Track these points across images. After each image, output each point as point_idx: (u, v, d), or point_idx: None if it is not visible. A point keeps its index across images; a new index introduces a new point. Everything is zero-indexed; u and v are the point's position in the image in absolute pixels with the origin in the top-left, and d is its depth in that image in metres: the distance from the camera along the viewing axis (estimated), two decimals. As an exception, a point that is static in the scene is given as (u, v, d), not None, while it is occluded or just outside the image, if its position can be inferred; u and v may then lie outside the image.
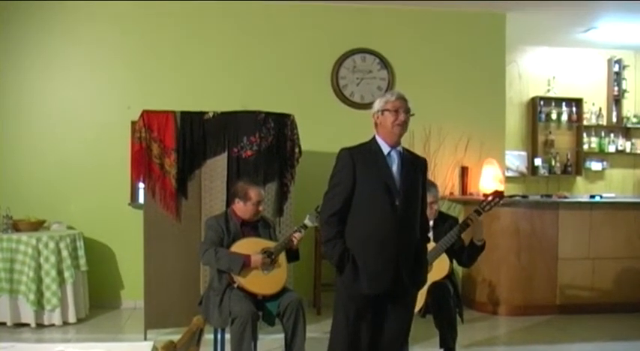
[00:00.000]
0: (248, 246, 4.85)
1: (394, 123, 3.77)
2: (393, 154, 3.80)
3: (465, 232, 4.85)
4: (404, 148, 3.90)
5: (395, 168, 3.77)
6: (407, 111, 3.81)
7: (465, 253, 4.98)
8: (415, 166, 3.87)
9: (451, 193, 7.87)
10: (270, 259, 4.83)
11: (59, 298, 6.33)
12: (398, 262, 3.69)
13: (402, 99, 3.83)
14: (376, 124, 3.86)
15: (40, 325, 6.32)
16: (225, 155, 5.85)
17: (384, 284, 3.70)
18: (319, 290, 7.16)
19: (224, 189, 5.76)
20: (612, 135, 9.79)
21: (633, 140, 9.88)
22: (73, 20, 7.39)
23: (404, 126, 3.80)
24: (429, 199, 4.89)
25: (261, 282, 4.81)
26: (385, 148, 3.80)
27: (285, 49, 7.70)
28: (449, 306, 4.86)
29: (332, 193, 3.82)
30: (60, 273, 6.38)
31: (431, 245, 4.79)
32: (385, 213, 3.69)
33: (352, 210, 3.77)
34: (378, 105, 3.86)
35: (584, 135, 9.67)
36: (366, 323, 3.80)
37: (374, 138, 3.86)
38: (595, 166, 9.76)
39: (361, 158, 3.77)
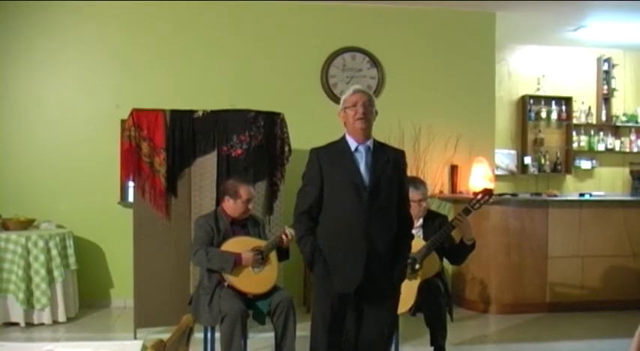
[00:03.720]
0: (238, 245, 4.85)
1: (354, 118, 3.74)
2: (361, 149, 3.78)
3: (453, 231, 4.86)
4: (377, 143, 3.87)
5: (363, 164, 3.75)
6: (367, 104, 3.75)
7: (456, 252, 4.99)
8: (388, 159, 3.81)
9: (441, 192, 7.88)
10: (260, 258, 4.83)
11: (49, 297, 6.32)
12: (369, 261, 3.67)
13: (359, 92, 3.80)
14: (344, 123, 3.85)
15: (29, 324, 6.31)
16: (214, 154, 5.85)
17: (354, 282, 3.68)
18: (309, 289, 7.15)
19: (214, 187, 5.77)
20: (601, 133, 9.84)
21: (622, 139, 9.93)
22: (62, 19, 7.36)
23: (365, 119, 3.74)
24: (418, 196, 4.93)
25: (251, 281, 4.81)
26: (353, 145, 3.79)
27: (274, 47, 7.69)
28: (439, 304, 4.84)
29: (302, 192, 3.88)
30: (49, 272, 6.36)
31: (420, 243, 4.81)
32: (353, 211, 3.68)
33: (323, 208, 3.80)
34: (340, 104, 3.86)
35: (574, 133, 9.72)
36: (344, 320, 3.81)
37: (343, 136, 3.86)
38: (584, 164, 9.81)
39: (328, 157, 3.80)
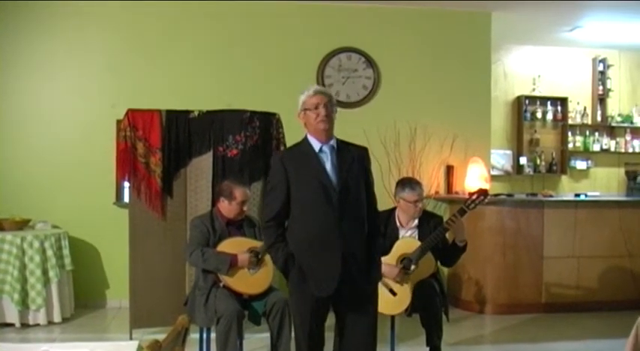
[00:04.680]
0: (234, 245, 4.86)
1: (317, 120, 3.68)
2: (326, 149, 3.72)
3: (447, 232, 4.87)
4: (340, 141, 3.81)
5: (329, 164, 3.69)
6: (328, 104, 3.70)
7: (447, 253, 5.00)
8: (353, 157, 3.75)
9: (436, 192, 7.89)
10: (256, 259, 4.83)
11: (44, 297, 6.32)
12: (344, 262, 3.60)
13: (319, 93, 3.72)
14: (304, 124, 3.79)
15: (24, 325, 6.30)
16: (210, 154, 5.84)
17: (332, 284, 3.60)
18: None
19: (209, 188, 5.76)
20: (597, 134, 9.86)
21: (618, 139, 9.96)
22: (57, 18, 7.36)
23: (328, 120, 3.68)
24: (414, 197, 4.94)
25: (247, 281, 4.81)
26: (316, 146, 3.72)
27: (270, 47, 7.70)
28: (435, 304, 4.86)
29: (268, 198, 3.84)
30: (45, 272, 6.36)
31: (416, 244, 4.83)
32: (323, 213, 3.62)
33: (291, 213, 3.73)
34: (299, 105, 3.77)
35: (569, 134, 9.74)
36: (324, 324, 3.77)
37: (305, 137, 3.80)
38: (580, 164, 9.83)
39: (292, 161, 3.74)
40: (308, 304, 3.69)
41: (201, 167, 5.85)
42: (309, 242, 3.66)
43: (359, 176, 3.75)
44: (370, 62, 7.85)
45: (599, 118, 9.91)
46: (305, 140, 3.79)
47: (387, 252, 4.82)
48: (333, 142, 3.76)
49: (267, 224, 3.78)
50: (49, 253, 6.41)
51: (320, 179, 3.65)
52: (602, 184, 9.89)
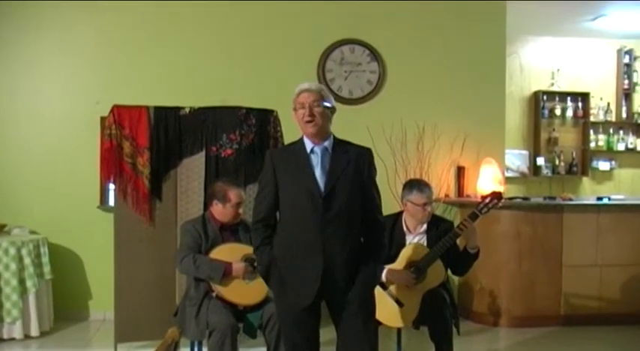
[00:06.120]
0: (228, 252, 4.90)
1: (303, 120, 3.75)
2: (317, 150, 3.77)
3: (458, 238, 4.90)
4: (339, 141, 3.85)
5: (319, 167, 3.74)
6: (314, 104, 3.74)
7: (458, 260, 5.03)
8: (349, 160, 3.77)
9: (446, 195, 7.93)
10: (252, 268, 4.85)
11: (20, 309, 6.33)
12: (325, 273, 3.64)
13: (306, 91, 3.78)
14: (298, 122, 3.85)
15: (-1, 339, 6.32)
16: (202, 154, 5.88)
17: (309, 296, 3.65)
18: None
19: (201, 190, 5.80)
20: (621, 132, 9.91)
21: (644, 138, 9.98)
22: (36, 7, 7.37)
23: (315, 120, 3.73)
24: (422, 200, 4.95)
25: (242, 291, 4.85)
26: (308, 146, 3.78)
27: (267, 39, 7.73)
28: (444, 316, 4.86)
29: (258, 198, 3.90)
30: (21, 282, 6.37)
31: (424, 251, 4.87)
32: (308, 217, 3.67)
33: (279, 215, 3.83)
34: (292, 104, 3.85)
35: (591, 132, 9.79)
36: (312, 333, 3.80)
37: (301, 136, 3.87)
38: (602, 165, 9.87)
39: (282, 160, 3.82)
40: (290, 315, 3.76)
41: (192, 168, 5.88)
42: (290, 249, 3.72)
43: (353, 181, 3.76)
44: (375, 55, 7.88)
45: (624, 115, 9.95)
46: (300, 139, 3.87)
47: (392, 260, 4.88)
48: (327, 143, 3.80)
49: (254, 226, 3.88)
50: (27, 260, 6.41)
51: (305, 183, 3.70)
52: (626, 186, 9.93)
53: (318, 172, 3.73)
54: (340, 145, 3.85)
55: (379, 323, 4.60)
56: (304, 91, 3.79)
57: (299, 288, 3.69)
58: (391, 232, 5.04)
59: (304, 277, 3.67)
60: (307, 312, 3.73)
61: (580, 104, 9.73)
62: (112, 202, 6.54)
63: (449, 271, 5.11)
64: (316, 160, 3.75)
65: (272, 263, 3.75)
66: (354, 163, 3.79)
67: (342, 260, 3.69)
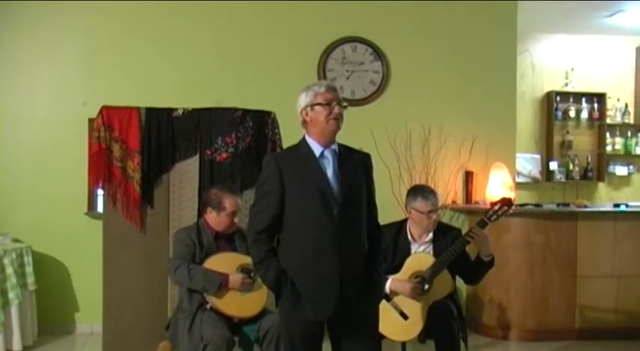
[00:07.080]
0: (223, 262, 4.92)
1: (328, 117, 3.72)
2: (327, 154, 3.78)
3: (467, 246, 4.93)
4: (340, 146, 3.86)
5: (330, 171, 3.74)
6: (340, 103, 3.77)
7: (472, 269, 5.06)
8: (355, 165, 3.82)
9: (454, 202, 7.93)
10: (250, 281, 4.88)
11: (2, 322, 6.28)
12: (343, 281, 3.65)
13: (333, 90, 3.79)
14: (305, 122, 3.83)
15: (-21, 354, 6.32)
16: (196, 158, 5.88)
17: (330, 307, 3.66)
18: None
19: (195, 196, 5.80)
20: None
21: (664, 141, 9.98)
22: (22, 7, 7.38)
23: (340, 120, 3.76)
24: (428, 207, 4.97)
25: (237, 303, 4.87)
26: (317, 149, 3.77)
27: (265, 37, 7.73)
28: (451, 330, 4.87)
29: (258, 207, 3.83)
30: (3, 293, 6.33)
31: (430, 260, 4.89)
32: (322, 225, 3.66)
33: (284, 225, 3.77)
34: (304, 100, 3.80)
35: (607, 135, 9.79)
36: (317, 348, 3.82)
37: (303, 139, 3.86)
38: (620, 170, 9.86)
39: (289, 164, 3.77)
40: (300, 329, 3.76)
41: (186, 173, 5.89)
42: (304, 258, 3.69)
43: (361, 186, 3.81)
44: (378, 54, 7.89)
45: (642, 117, 9.97)
46: (303, 142, 3.85)
47: (396, 270, 4.90)
48: (335, 146, 3.82)
49: (256, 237, 3.80)
50: (9, 270, 6.38)
51: (320, 188, 3.69)
52: (645, 192, 9.94)
53: (330, 176, 3.74)
54: (345, 149, 3.88)
55: (382, 337, 4.62)
56: (332, 89, 3.79)
57: (317, 300, 3.68)
58: (395, 240, 5.07)
59: (322, 288, 3.67)
60: (317, 327, 3.75)
61: (595, 105, 9.73)
62: (100, 208, 6.56)
63: (458, 281, 5.13)
64: (327, 164, 3.77)
65: (282, 276, 3.72)
66: (360, 168, 3.84)
67: (356, 268, 3.73)
